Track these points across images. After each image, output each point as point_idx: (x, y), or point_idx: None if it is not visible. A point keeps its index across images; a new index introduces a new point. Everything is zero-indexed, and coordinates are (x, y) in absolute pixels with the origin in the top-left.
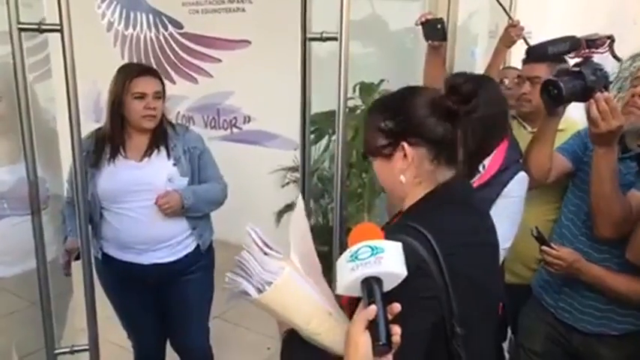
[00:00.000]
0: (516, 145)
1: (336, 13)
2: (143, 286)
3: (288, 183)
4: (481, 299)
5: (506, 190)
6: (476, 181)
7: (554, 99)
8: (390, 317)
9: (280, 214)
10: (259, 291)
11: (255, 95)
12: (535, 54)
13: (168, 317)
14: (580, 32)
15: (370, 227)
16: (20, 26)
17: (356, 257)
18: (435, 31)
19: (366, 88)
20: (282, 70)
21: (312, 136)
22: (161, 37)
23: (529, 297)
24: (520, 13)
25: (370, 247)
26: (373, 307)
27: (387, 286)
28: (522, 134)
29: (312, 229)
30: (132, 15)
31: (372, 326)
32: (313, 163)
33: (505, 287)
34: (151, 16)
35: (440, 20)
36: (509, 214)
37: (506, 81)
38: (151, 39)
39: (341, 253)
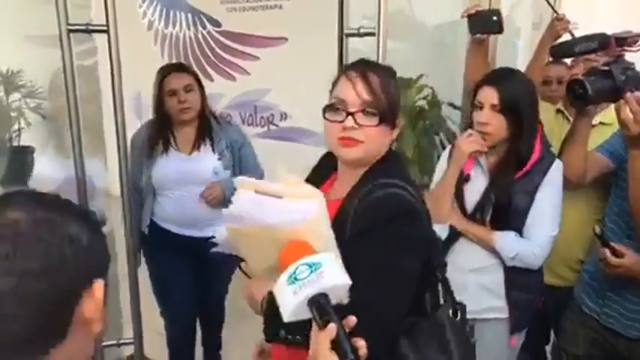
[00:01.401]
0: (545, 137)
1: (374, 9)
2: (185, 254)
3: None
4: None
5: (547, 178)
6: (518, 172)
7: (580, 99)
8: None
9: None
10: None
11: (292, 92)
12: (561, 52)
13: (201, 278)
14: (630, 25)
15: (300, 245)
16: (69, 27)
17: (295, 279)
18: (487, 23)
19: (403, 84)
20: (319, 67)
21: None
22: (199, 36)
23: (571, 299)
24: (565, 5)
25: (307, 264)
26: (332, 326)
27: (334, 299)
28: (567, 128)
29: None
30: (171, 14)
31: (335, 346)
32: None
33: (547, 289)
34: (189, 15)
35: (495, 12)
36: (553, 202)
37: (554, 84)
38: (190, 37)
39: None
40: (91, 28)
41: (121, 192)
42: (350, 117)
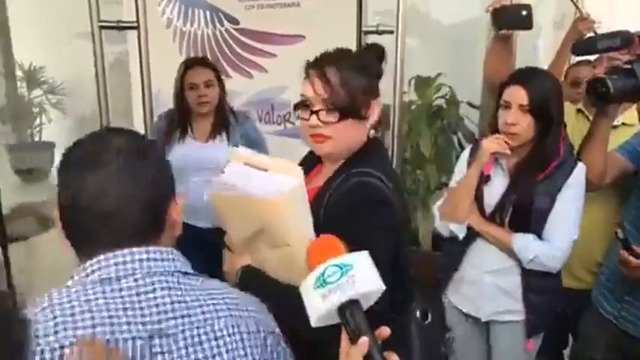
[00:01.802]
0: (567, 138)
1: (392, 7)
2: (197, 246)
3: None
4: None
5: (569, 180)
6: (540, 174)
7: (602, 98)
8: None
9: None
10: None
11: None
12: (582, 49)
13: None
14: None
15: (329, 240)
16: (101, 24)
17: (324, 281)
18: (516, 18)
19: (422, 83)
20: None
21: None
22: (218, 33)
23: (589, 303)
24: (588, 4)
25: (337, 265)
26: (365, 340)
27: (366, 304)
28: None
29: None
30: (190, 12)
31: None
32: None
33: (566, 292)
34: (208, 13)
35: (526, 6)
36: (576, 204)
37: (582, 86)
38: (208, 35)
39: None
40: (121, 24)
41: None
42: (314, 115)
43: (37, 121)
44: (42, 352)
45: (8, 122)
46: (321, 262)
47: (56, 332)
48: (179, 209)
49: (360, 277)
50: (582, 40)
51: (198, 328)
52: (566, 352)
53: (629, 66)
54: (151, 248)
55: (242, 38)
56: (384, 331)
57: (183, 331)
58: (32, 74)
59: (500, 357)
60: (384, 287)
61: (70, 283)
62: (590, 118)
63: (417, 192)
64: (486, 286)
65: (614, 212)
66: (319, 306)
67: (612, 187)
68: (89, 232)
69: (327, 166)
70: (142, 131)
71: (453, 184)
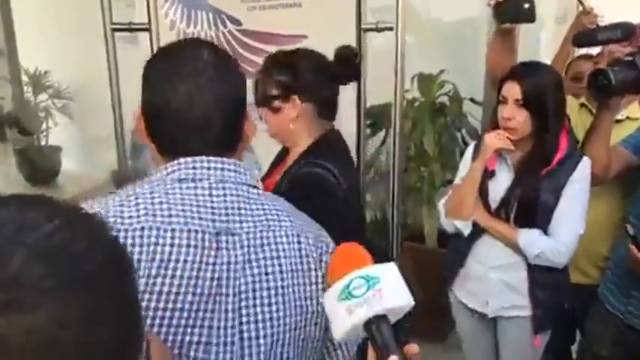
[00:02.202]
0: (572, 132)
1: (392, 4)
2: None
3: None
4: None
5: (574, 175)
6: (544, 169)
7: (603, 90)
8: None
9: None
10: None
11: None
12: (583, 41)
13: None
14: None
15: (353, 249)
16: (113, 26)
17: (349, 294)
18: (518, 11)
19: (424, 80)
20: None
21: (368, 130)
22: (220, 35)
23: (596, 298)
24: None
25: (363, 277)
26: (393, 359)
27: (394, 318)
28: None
29: (370, 223)
30: (193, 14)
31: None
32: (370, 156)
33: (573, 287)
34: (210, 15)
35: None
36: (581, 199)
37: (584, 81)
38: (212, 37)
39: (395, 249)
40: (133, 27)
41: None
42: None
43: (44, 126)
44: (125, 230)
45: (14, 126)
46: (346, 273)
47: (138, 216)
48: (252, 127)
49: (388, 291)
50: (583, 32)
51: (261, 232)
52: (574, 347)
53: (630, 58)
54: (225, 159)
55: (245, 39)
56: (413, 348)
57: (247, 232)
58: (38, 79)
59: (508, 353)
60: (413, 302)
61: (152, 178)
62: (594, 112)
63: (422, 189)
64: (492, 282)
65: (619, 206)
66: (345, 321)
67: (617, 181)
68: (175, 138)
69: (289, 157)
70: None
71: (457, 180)
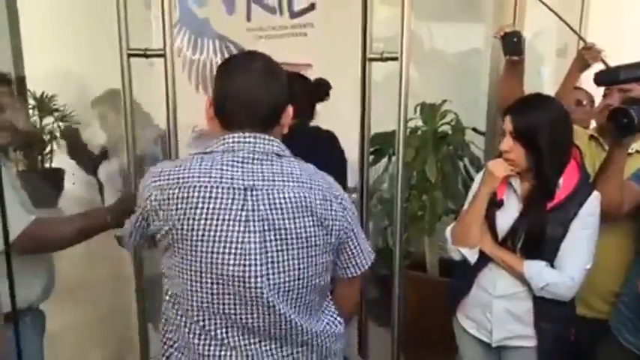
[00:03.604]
0: (584, 166)
1: (396, 34)
2: None
3: None
4: None
5: (583, 209)
6: (551, 202)
7: (624, 128)
8: None
9: None
10: None
11: (317, 116)
12: (605, 79)
13: None
14: None
15: None
16: (129, 52)
17: None
18: (510, 44)
19: (427, 109)
20: (342, 91)
21: (372, 157)
22: None
23: (606, 332)
24: (592, 32)
25: None
26: None
27: None
28: (601, 155)
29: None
30: (200, 41)
31: None
32: (373, 184)
33: (581, 321)
34: (217, 42)
35: (516, 33)
36: (589, 234)
37: (584, 101)
38: (217, 63)
39: (398, 278)
40: (149, 53)
41: None
42: None
43: (48, 148)
44: (180, 186)
45: (19, 149)
46: None
47: (190, 176)
48: (289, 117)
49: None
50: (605, 71)
51: (277, 191)
52: None
53: None
54: (259, 134)
55: None
56: None
57: (267, 190)
58: (44, 102)
59: None
60: None
61: (207, 150)
62: (604, 144)
63: (424, 217)
64: (497, 311)
65: (631, 241)
66: None
67: (628, 217)
68: (232, 115)
69: None
70: (170, 160)
71: (465, 207)
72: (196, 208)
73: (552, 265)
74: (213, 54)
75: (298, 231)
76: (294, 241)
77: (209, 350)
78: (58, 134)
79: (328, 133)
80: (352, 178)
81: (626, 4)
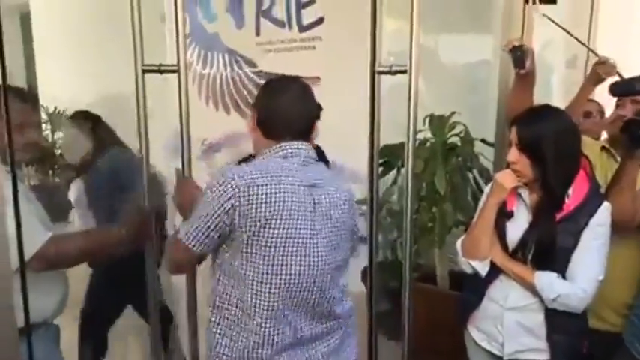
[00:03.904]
0: (594, 176)
1: (404, 47)
2: None
3: None
4: None
5: (593, 220)
6: (560, 213)
7: (638, 140)
8: None
9: None
10: None
11: (324, 129)
12: (620, 90)
13: None
14: None
15: None
16: (144, 67)
17: None
18: (515, 58)
19: (436, 121)
20: (350, 104)
21: (381, 169)
22: (236, 76)
23: (619, 345)
24: (600, 44)
25: None
26: None
27: None
28: (613, 166)
29: (382, 264)
30: (209, 55)
31: None
32: (382, 196)
33: (593, 334)
34: (226, 56)
35: (520, 47)
36: (599, 244)
37: (593, 113)
38: (226, 77)
39: (408, 291)
40: (163, 68)
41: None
42: None
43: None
44: (251, 185)
45: (31, 164)
46: None
47: (261, 176)
48: (317, 130)
49: None
50: (620, 82)
51: (329, 189)
52: None
53: None
54: (305, 144)
55: (260, 81)
56: None
57: (323, 188)
58: (55, 118)
59: None
60: None
61: (262, 157)
62: (615, 155)
63: (433, 230)
64: (508, 323)
65: None
66: None
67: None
68: (278, 128)
69: None
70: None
71: (474, 220)
72: (276, 202)
73: (564, 277)
74: (222, 68)
75: (345, 223)
76: (343, 232)
77: (269, 329)
78: None
79: (318, 148)
80: (361, 191)
81: (636, 15)
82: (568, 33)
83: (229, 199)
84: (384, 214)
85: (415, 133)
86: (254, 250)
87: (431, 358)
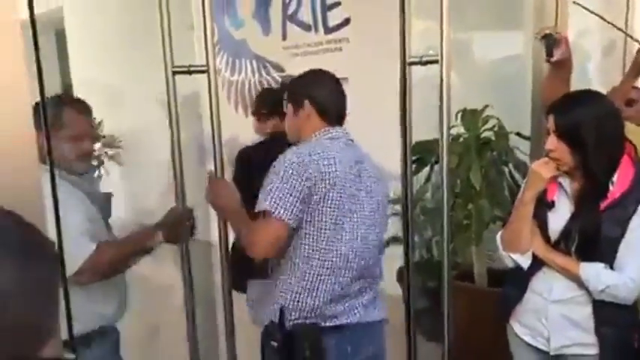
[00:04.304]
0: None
1: (433, 43)
2: None
3: (389, 215)
4: None
5: None
6: (604, 201)
7: None
8: None
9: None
10: None
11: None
12: None
13: None
14: None
15: None
16: (174, 69)
17: None
18: (548, 45)
19: (469, 115)
20: (379, 103)
21: (414, 166)
22: (264, 81)
23: None
24: (638, 28)
25: None
26: None
27: None
28: None
29: (417, 264)
30: (237, 62)
31: None
32: (415, 194)
33: None
34: (254, 62)
35: (549, 35)
36: None
37: (637, 99)
38: (255, 83)
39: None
40: (192, 69)
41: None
42: None
43: (96, 174)
44: (311, 162)
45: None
46: None
47: (316, 152)
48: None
49: None
50: None
51: (368, 168)
52: None
53: None
54: (343, 128)
55: None
56: None
57: (364, 165)
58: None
59: None
60: None
61: (312, 139)
62: None
63: (470, 226)
64: (553, 317)
65: None
66: None
67: None
68: (328, 114)
69: None
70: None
71: (514, 211)
72: (338, 176)
73: (611, 267)
74: (251, 74)
75: (382, 195)
76: (380, 204)
77: (337, 289)
78: (105, 159)
79: None
80: (393, 189)
81: None
82: (603, 19)
83: (307, 173)
84: (418, 212)
85: (449, 127)
86: (318, 218)
87: (471, 358)
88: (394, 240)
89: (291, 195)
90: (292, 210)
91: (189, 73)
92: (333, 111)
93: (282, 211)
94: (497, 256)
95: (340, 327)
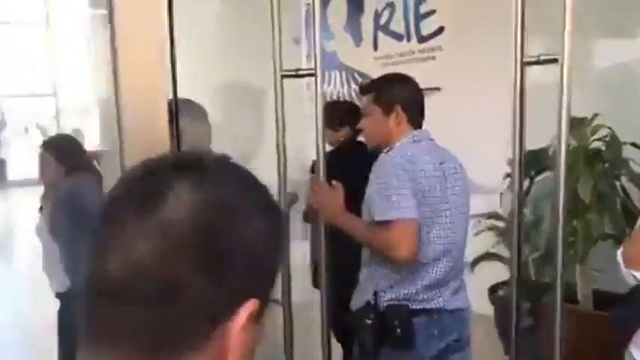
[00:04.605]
0: None
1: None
2: None
3: (482, 230)
4: None
5: None
6: None
7: None
8: None
9: (475, 262)
10: None
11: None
12: None
13: None
14: None
15: None
16: (283, 73)
17: None
18: None
19: (577, 124)
20: (472, 113)
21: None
22: (353, 93)
23: None
24: None
25: None
26: None
27: None
28: None
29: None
30: (327, 74)
31: None
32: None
33: None
34: (344, 73)
35: None
36: None
37: None
38: (344, 95)
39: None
40: (301, 72)
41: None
42: None
43: None
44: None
45: None
46: None
47: (411, 154)
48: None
49: None
50: None
51: (450, 166)
52: None
53: None
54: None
55: None
56: None
57: (447, 164)
58: None
59: None
60: None
61: (404, 141)
62: None
63: (575, 244)
64: None
65: None
66: None
67: None
68: (415, 117)
69: None
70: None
71: (638, 226)
72: (431, 177)
73: None
74: (340, 85)
75: (465, 191)
76: (464, 199)
77: (432, 279)
78: None
79: (361, 143)
80: (486, 203)
81: None
82: None
83: (414, 174)
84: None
85: (567, 133)
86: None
87: None
88: (488, 256)
89: (410, 195)
90: (415, 208)
91: (297, 76)
92: (420, 115)
93: (408, 211)
94: (604, 277)
95: (430, 310)
